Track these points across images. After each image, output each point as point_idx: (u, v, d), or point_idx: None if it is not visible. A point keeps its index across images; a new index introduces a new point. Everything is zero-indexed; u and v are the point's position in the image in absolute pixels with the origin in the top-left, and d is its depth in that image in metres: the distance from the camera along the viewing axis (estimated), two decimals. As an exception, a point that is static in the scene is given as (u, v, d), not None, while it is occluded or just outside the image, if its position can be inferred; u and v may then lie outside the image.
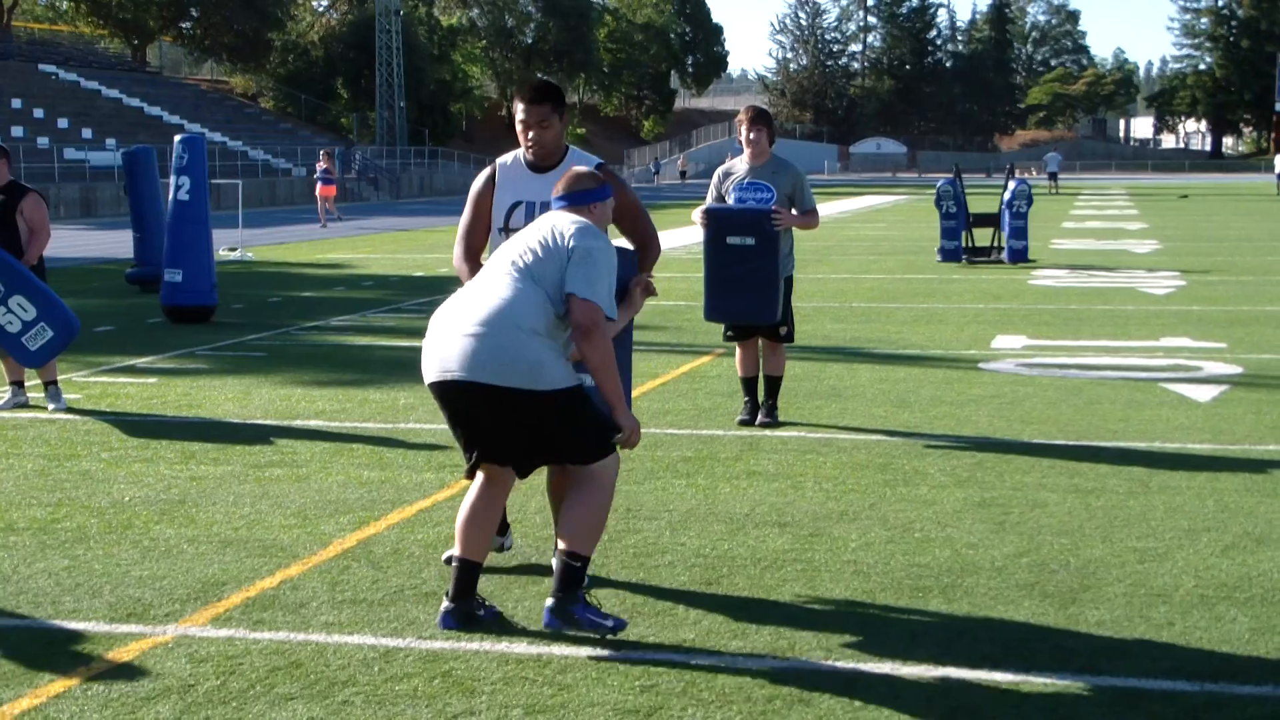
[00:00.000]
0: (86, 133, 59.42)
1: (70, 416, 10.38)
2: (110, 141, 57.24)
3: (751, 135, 9.64)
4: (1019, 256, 25.13)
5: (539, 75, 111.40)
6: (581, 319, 5.36)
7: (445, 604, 5.70)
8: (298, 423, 10.18)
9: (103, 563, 6.61)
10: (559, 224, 5.56)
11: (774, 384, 10.02)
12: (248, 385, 11.86)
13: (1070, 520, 7.29)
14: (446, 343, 5.46)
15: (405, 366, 12.95)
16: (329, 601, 5.99)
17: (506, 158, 6.41)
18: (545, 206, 6.01)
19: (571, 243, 5.45)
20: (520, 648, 5.41)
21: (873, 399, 11.01)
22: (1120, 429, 9.73)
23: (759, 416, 9.97)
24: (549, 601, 5.51)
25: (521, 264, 5.48)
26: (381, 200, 68.44)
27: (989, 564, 6.52)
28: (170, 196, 16.57)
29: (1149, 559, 6.59)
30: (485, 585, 6.12)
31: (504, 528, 6.72)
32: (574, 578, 5.46)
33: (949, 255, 25.45)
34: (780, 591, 6.14)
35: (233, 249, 27.59)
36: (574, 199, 5.74)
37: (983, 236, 25.99)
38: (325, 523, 7.33)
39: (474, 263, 6.35)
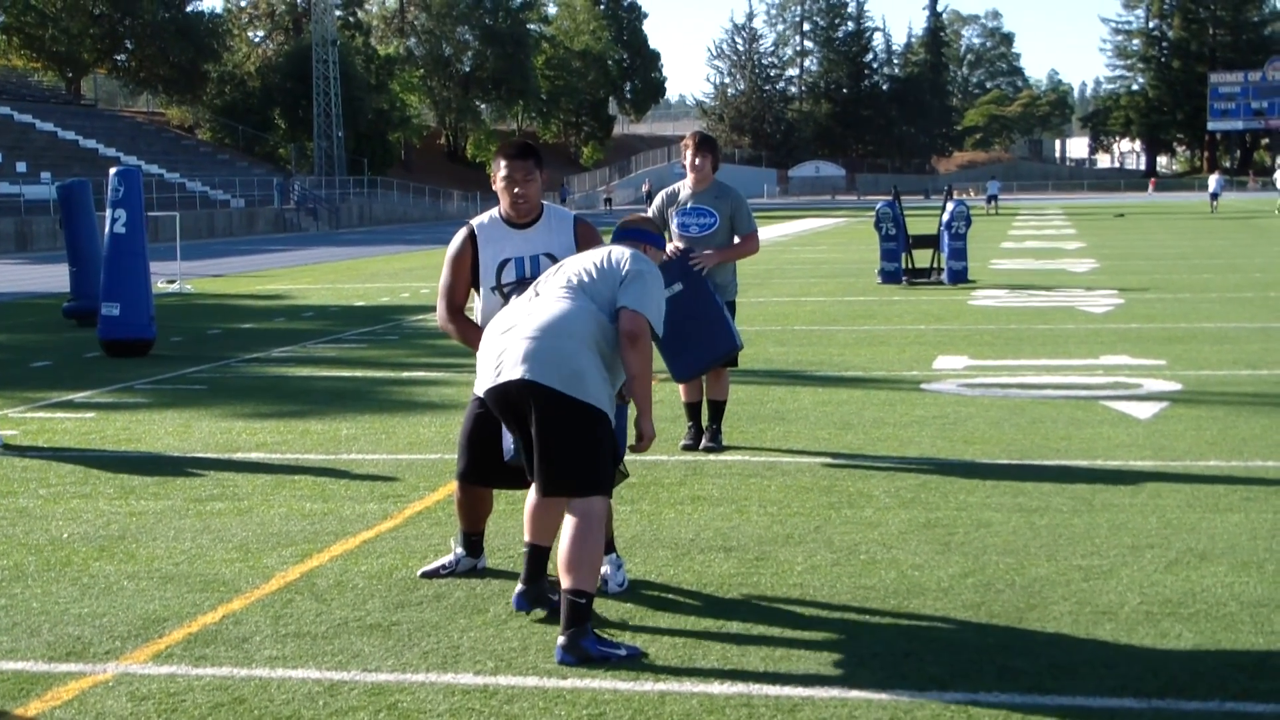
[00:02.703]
0: (21, 166, 58.92)
1: (6, 453, 10.24)
2: (45, 175, 56.79)
3: (696, 161, 9.67)
4: (959, 277, 25.28)
5: (478, 103, 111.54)
6: (630, 326, 5.75)
7: (519, 586, 6.02)
8: (239, 455, 10.09)
9: (41, 601, 6.51)
10: (615, 252, 6.02)
11: (718, 409, 10.01)
12: (188, 418, 11.75)
13: (1015, 539, 7.31)
14: (504, 349, 5.79)
15: (347, 397, 12.88)
16: (272, 635, 5.92)
17: (482, 219, 6.67)
18: (535, 261, 6.46)
19: (627, 266, 5.91)
20: (466, 678, 5.36)
21: (816, 421, 11.03)
22: (1063, 447, 9.78)
23: (703, 441, 9.96)
24: (560, 640, 5.55)
25: (576, 283, 5.88)
26: (321, 230, 68.15)
27: (935, 585, 6.53)
28: (107, 230, 16.43)
29: (1094, 577, 6.61)
30: (429, 613, 6.09)
31: (478, 549, 6.85)
32: (581, 614, 5.57)
33: (889, 277, 25.57)
34: (727, 617, 6.11)
35: (171, 281, 27.40)
36: (635, 235, 6.35)
37: (922, 258, 26.15)
38: (268, 556, 7.26)
39: (460, 318, 6.67)
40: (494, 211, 6.62)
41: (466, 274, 6.59)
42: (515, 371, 5.68)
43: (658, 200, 9.97)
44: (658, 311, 5.89)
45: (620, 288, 5.84)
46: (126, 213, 16.19)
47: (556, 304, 5.81)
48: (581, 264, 6.01)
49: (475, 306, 6.67)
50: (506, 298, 6.44)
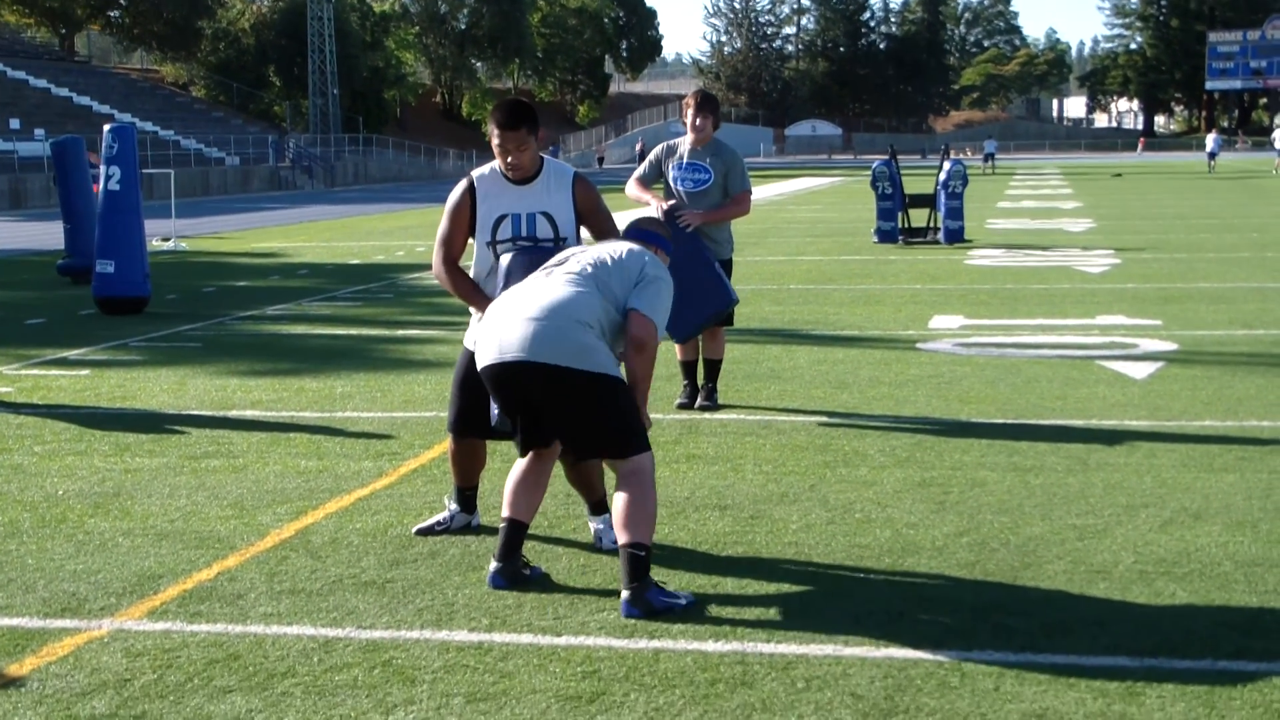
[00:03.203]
0: (14, 123, 58.68)
1: (1, 410, 10.23)
2: (39, 132, 56.60)
3: (697, 121, 9.66)
4: (955, 237, 25.25)
5: (473, 61, 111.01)
6: (639, 332, 5.82)
7: (493, 564, 5.98)
8: (234, 413, 10.09)
9: (36, 557, 6.51)
10: (635, 250, 6.08)
11: (713, 367, 10.01)
12: (182, 376, 11.74)
13: (1010, 499, 7.32)
14: (507, 329, 5.77)
15: (342, 355, 12.87)
16: (267, 592, 5.93)
17: (483, 170, 6.63)
18: (531, 219, 6.45)
19: (645, 269, 5.96)
20: (461, 635, 5.37)
21: (811, 380, 11.02)
22: (1058, 407, 9.78)
23: (698, 400, 9.96)
24: (624, 594, 5.60)
25: (588, 271, 5.92)
26: (316, 189, 68.02)
27: (929, 544, 6.53)
28: (101, 187, 16.37)
29: (1088, 536, 6.62)
30: (424, 571, 6.10)
31: (472, 505, 6.89)
32: (641, 566, 5.62)
33: (885, 236, 25.54)
34: (721, 574, 6.12)
35: (166, 239, 27.33)
36: (646, 236, 6.38)
37: (919, 217, 26.10)
38: (263, 513, 7.26)
39: (454, 269, 6.63)
40: (495, 164, 6.58)
41: (465, 226, 6.56)
42: (522, 353, 5.69)
43: (656, 150, 9.98)
44: (665, 320, 5.98)
45: (635, 289, 5.89)
46: (121, 170, 16.13)
47: (564, 288, 5.83)
48: (598, 253, 6.05)
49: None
50: (498, 255, 6.43)
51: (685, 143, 9.81)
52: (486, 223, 6.49)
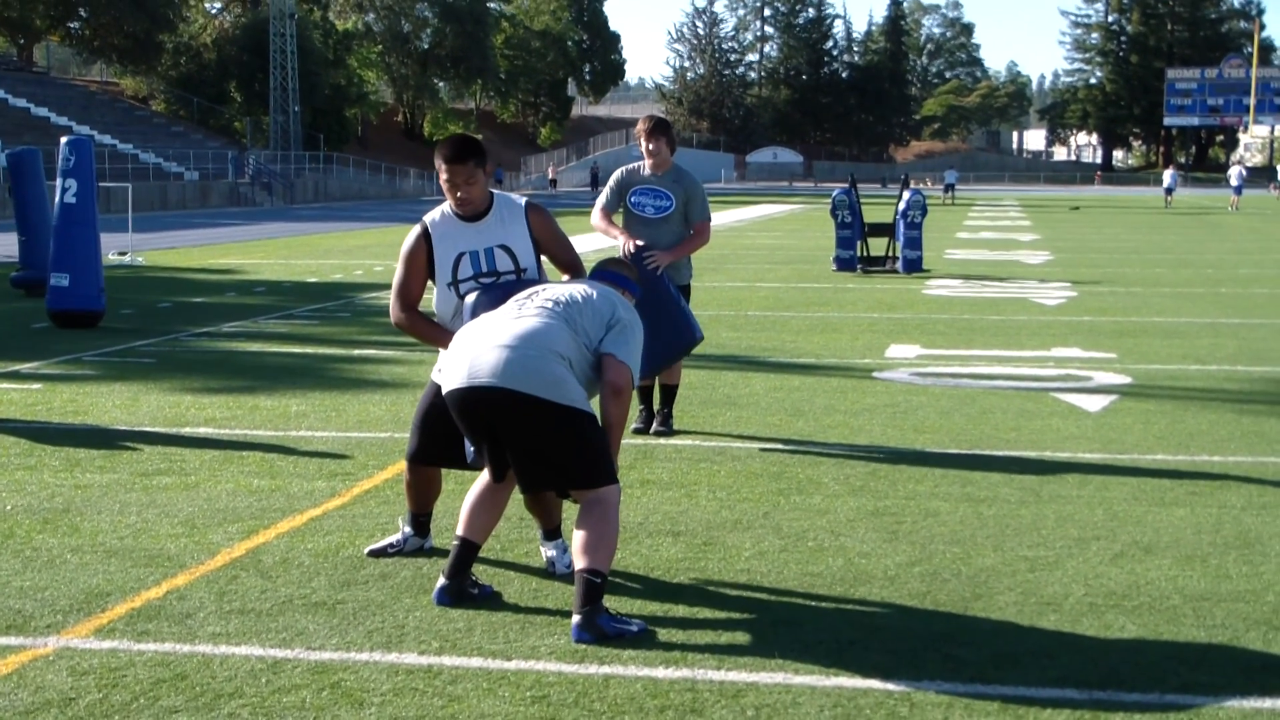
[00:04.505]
0: (-29, 133, 58.27)
1: (-49, 423, 10.15)
2: (-4, 142, 56.17)
3: (650, 146, 9.66)
4: (913, 266, 25.36)
5: (436, 81, 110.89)
6: (616, 378, 5.86)
7: (441, 580, 6.00)
8: (187, 430, 10.02)
9: (-18, 573, 6.45)
10: (609, 293, 6.14)
11: (670, 392, 10.01)
12: (136, 392, 11.66)
13: (962, 529, 7.34)
14: (478, 354, 5.76)
15: (297, 373, 12.82)
16: (216, 612, 5.89)
17: (434, 215, 6.58)
18: (489, 253, 6.42)
19: (618, 312, 6.02)
20: (410, 658, 5.34)
21: (767, 407, 11.04)
22: (1012, 438, 9.82)
23: (654, 425, 9.96)
24: (576, 618, 5.58)
25: (560, 307, 5.94)
26: (275, 206, 67.77)
27: (881, 573, 6.55)
28: (57, 199, 16.28)
29: (1040, 568, 6.64)
30: (375, 592, 6.08)
31: (425, 529, 6.88)
32: (596, 592, 5.61)
33: (844, 264, 25.62)
34: (673, 601, 6.11)
35: (123, 253, 27.16)
36: (613, 278, 6.46)
37: (878, 246, 26.20)
38: (214, 532, 7.21)
39: (415, 314, 6.57)
40: (445, 207, 6.56)
41: (422, 271, 6.51)
42: (493, 379, 5.67)
43: (616, 176, 9.94)
44: (638, 365, 6.01)
45: (609, 333, 5.93)
46: (77, 182, 16.05)
47: (536, 320, 5.85)
48: (568, 291, 6.08)
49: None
50: (462, 295, 6.41)
51: (645, 167, 9.82)
52: (446, 263, 6.45)
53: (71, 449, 9.28)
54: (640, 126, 9.78)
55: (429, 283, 6.57)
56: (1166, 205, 65.21)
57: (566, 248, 6.69)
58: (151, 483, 8.31)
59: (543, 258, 6.61)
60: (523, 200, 6.63)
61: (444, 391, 5.89)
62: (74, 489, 8.13)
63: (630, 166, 9.97)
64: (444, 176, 6.38)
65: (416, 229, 6.55)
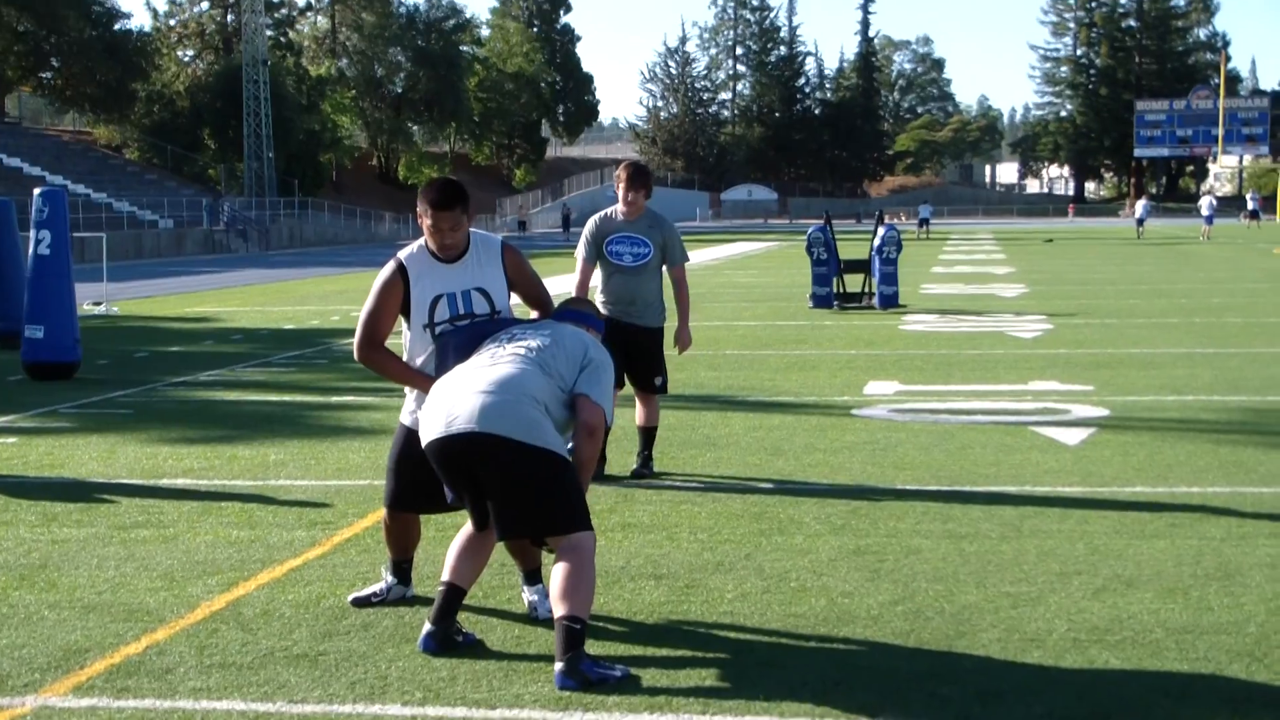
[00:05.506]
0: (-56, 185, 58.15)
1: (-73, 479, 10.08)
2: (-31, 194, 56.08)
3: (629, 196, 9.66)
4: (890, 302, 25.43)
5: (410, 125, 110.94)
6: (590, 418, 5.94)
7: (427, 626, 6.00)
8: (164, 481, 9.98)
9: (-41, 631, 6.39)
10: (578, 334, 6.25)
11: (649, 435, 10.00)
12: (113, 444, 11.61)
13: (944, 566, 7.33)
14: (455, 402, 5.81)
15: (275, 422, 12.78)
16: (197, 666, 5.85)
17: (410, 251, 6.48)
18: (466, 296, 6.37)
19: (590, 354, 6.11)
20: (394, 709, 5.31)
21: (747, 447, 11.03)
22: (992, 473, 9.83)
23: (634, 468, 9.94)
24: (559, 665, 5.56)
25: (533, 352, 6.00)
26: (250, 252, 67.70)
27: (864, 612, 6.54)
28: (30, 251, 16.24)
29: (1022, 604, 6.64)
30: (357, 643, 6.04)
31: (407, 577, 6.84)
32: (577, 638, 5.61)
33: (821, 301, 25.68)
34: (656, 644, 6.09)
35: (97, 303, 27.11)
36: (578, 317, 6.55)
37: (854, 282, 26.27)
38: (193, 584, 7.17)
39: (382, 350, 6.46)
40: (420, 244, 6.48)
41: (396, 307, 6.44)
42: (471, 424, 5.71)
43: (590, 227, 9.91)
44: (610, 405, 6.09)
45: (582, 374, 6.02)
46: (51, 234, 16.02)
47: (511, 366, 5.91)
48: (538, 334, 6.15)
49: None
50: (436, 337, 6.38)
51: (619, 214, 9.82)
52: (422, 305, 6.38)
53: (48, 503, 9.23)
54: (621, 174, 9.76)
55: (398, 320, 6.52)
56: (1139, 236, 65.48)
57: (537, 285, 6.69)
58: (129, 536, 8.26)
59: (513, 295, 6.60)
60: (499, 239, 6.61)
61: (423, 443, 5.90)
62: (51, 544, 8.08)
63: (603, 214, 9.96)
64: (428, 222, 6.31)
65: (391, 265, 6.46)
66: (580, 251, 9.85)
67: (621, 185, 9.68)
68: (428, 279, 6.40)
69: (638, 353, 9.71)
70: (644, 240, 9.71)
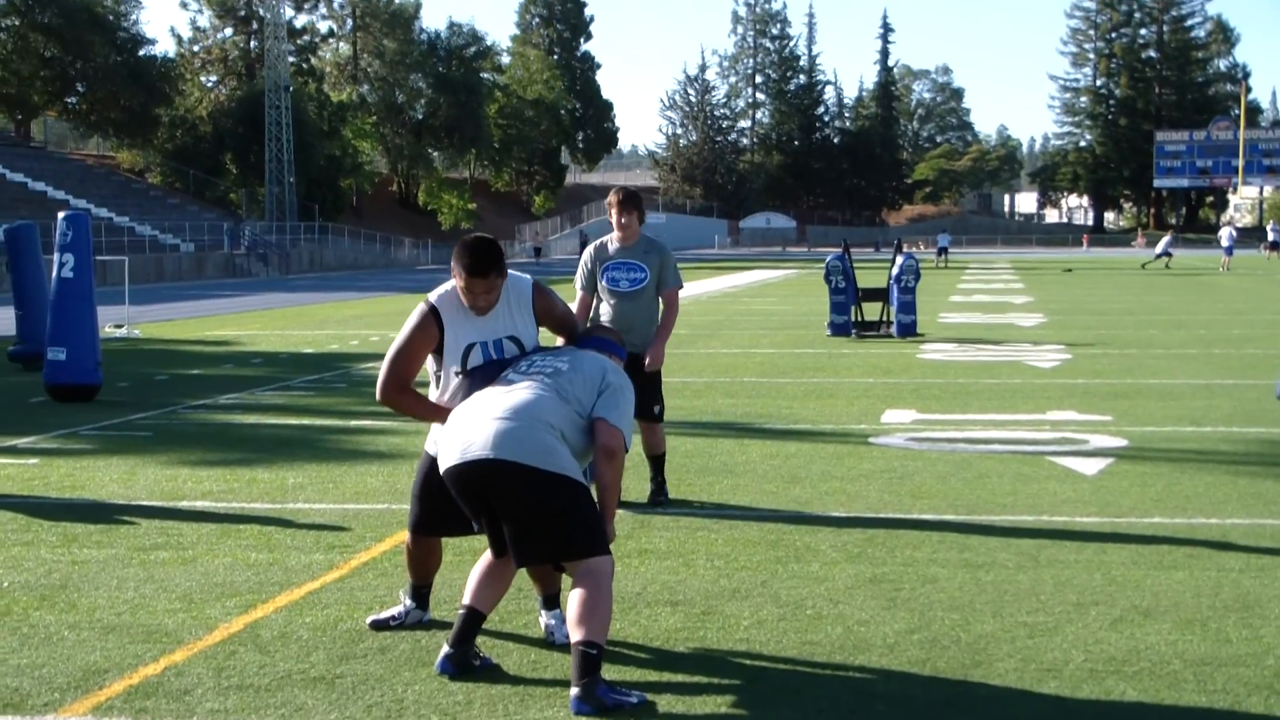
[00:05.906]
0: (-32, 208, 58.47)
1: (-52, 499, 10.13)
2: (-7, 217, 56.38)
3: (623, 220, 9.74)
4: (908, 331, 25.41)
5: (430, 151, 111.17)
6: (609, 441, 5.96)
7: (445, 649, 6.04)
8: (184, 504, 10.02)
9: (-21, 651, 6.43)
10: (597, 359, 6.28)
11: (658, 462, 10.01)
12: (133, 465, 11.66)
13: (961, 595, 7.33)
14: (472, 430, 5.86)
15: (294, 445, 12.81)
16: (214, 688, 5.87)
17: (443, 293, 6.41)
18: (499, 345, 6.37)
19: (609, 378, 6.14)
20: (410, 733, 5.32)
21: (764, 475, 11.04)
22: (1009, 502, 9.83)
23: (649, 496, 9.95)
24: (575, 690, 5.56)
25: (550, 379, 6.05)
26: (271, 276, 67.91)
27: (881, 641, 6.54)
28: (54, 274, 16.33)
29: (1039, 634, 6.64)
30: (374, 666, 6.06)
31: (426, 601, 6.86)
32: (593, 664, 5.61)
33: (839, 330, 25.68)
34: (673, 671, 6.10)
35: (119, 326, 27.22)
36: (601, 344, 6.60)
37: (872, 311, 26.26)
38: (211, 606, 7.20)
39: (408, 390, 6.42)
40: (452, 287, 6.38)
41: (426, 351, 6.39)
42: (486, 451, 5.75)
43: (586, 256, 9.95)
44: (630, 428, 6.11)
45: (600, 398, 6.05)
46: (74, 257, 16.11)
47: (527, 391, 5.96)
48: (557, 359, 6.22)
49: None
50: (469, 381, 6.36)
51: (614, 241, 9.88)
52: (455, 352, 6.36)
53: (68, 524, 9.27)
54: (612, 199, 9.83)
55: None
56: (1167, 266, 65.14)
57: (564, 316, 6.73)
58: (149, 557, 8.30)
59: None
60: (529, 283, 6.50)
61: (441, 470, 5.95)
62: (71, 564, 8.12)
63: (598, 243, 10.02)
64: (462, 284, 6.24)
65: (424, 308, 6.40)
66: (578, 282, 9.91)
67: (614, 211, 9.75)
68: (460, 326, 6.35)
69: (635, 381, 9.72)
70: (640, 265, 9.76)
